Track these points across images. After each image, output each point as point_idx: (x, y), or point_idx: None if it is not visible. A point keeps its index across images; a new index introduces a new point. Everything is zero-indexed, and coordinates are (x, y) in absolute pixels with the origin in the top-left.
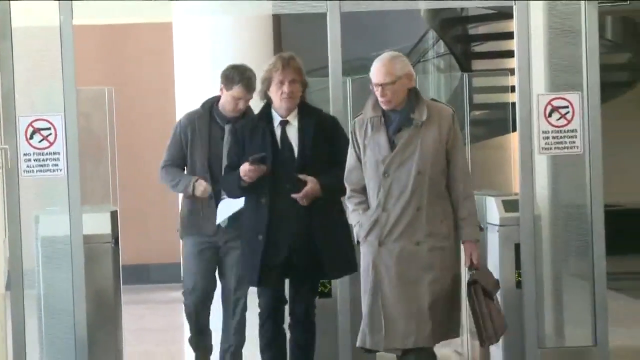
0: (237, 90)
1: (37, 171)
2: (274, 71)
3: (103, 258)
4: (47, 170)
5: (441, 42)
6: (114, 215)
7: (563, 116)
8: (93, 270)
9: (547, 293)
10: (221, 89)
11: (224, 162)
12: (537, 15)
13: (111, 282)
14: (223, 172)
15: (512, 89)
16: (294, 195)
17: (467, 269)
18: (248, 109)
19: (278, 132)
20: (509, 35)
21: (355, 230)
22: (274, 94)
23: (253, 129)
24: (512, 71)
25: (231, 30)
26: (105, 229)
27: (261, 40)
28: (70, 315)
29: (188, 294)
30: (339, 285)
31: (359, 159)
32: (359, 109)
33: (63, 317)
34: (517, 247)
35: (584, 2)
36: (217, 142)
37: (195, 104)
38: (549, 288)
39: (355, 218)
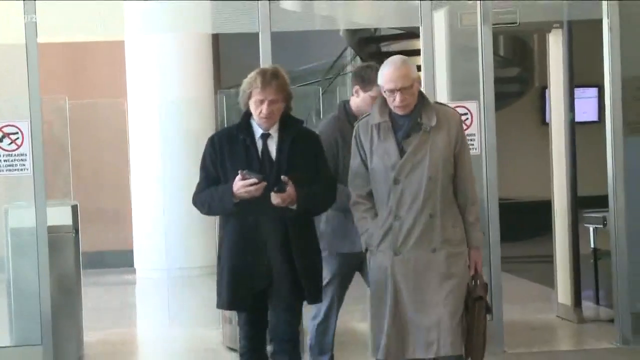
0: (376, 89)
1: (6, 170)
2: (254, 87)
3: (65, 246)
4: (15, 170)
5: (358, 58)
6: (74, 209)
7: (463, 122)
8: (56, 257)
9: None
10: (357, 91)
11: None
12: (441, 36)
13: (72, 267)
14: (199, 185)
15: None
16: (274, 196)
17: (471, 277)
18: None
19: (259, 145)
20: (417, 52)
21: (363, 239)
22: (253, 110)
23: (231, 139)
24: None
25: (175, 46)
26: (67, 220)
27: (201, 56)
28: (37, 297)
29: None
30: None
31: (364, 164)
32: None
33: (30, 299)
34: None
35: (480, 23)
36: None
37: (145, 111)
38: None
39: (364, 226)
